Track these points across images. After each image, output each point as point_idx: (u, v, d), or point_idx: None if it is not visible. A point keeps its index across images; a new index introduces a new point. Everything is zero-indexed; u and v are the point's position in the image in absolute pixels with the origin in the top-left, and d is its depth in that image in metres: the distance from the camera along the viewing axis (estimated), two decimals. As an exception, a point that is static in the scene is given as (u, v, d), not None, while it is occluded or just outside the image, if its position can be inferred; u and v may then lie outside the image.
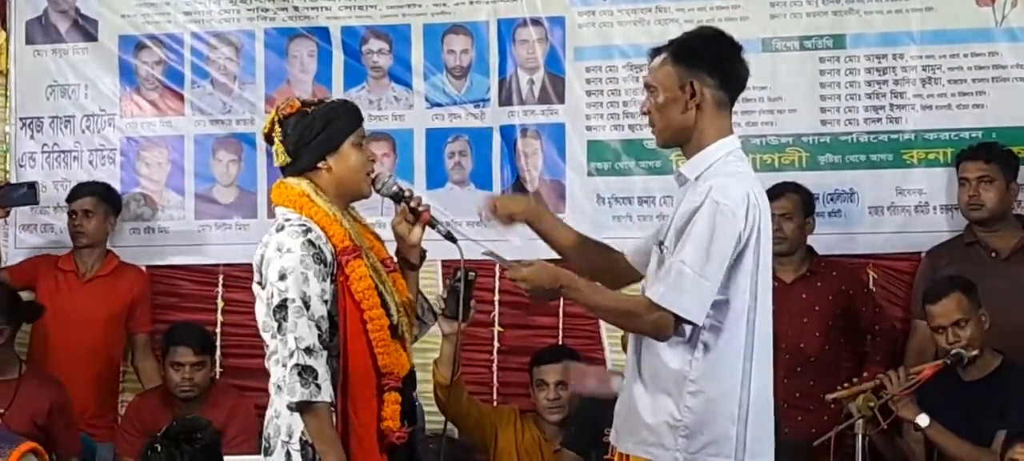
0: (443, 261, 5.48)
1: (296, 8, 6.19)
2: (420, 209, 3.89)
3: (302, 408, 3.61)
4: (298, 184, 3.78)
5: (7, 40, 6.36)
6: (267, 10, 6.22)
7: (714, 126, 3.62)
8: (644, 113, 3.72)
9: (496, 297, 5.95)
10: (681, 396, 3.53)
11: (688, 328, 3.50)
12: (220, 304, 6.21)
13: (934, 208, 5.72)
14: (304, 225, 3.70)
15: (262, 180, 6.14)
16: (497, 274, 5.76)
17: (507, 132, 6.03)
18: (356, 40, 6.17)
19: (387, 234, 4.00)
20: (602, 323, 5.80)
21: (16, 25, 6.37)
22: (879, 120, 5.77)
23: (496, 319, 6.00)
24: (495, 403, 5.95)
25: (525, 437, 5.62)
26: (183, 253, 6.27)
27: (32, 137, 6.37)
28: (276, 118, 3.82)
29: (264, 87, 6.23)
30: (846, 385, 4.73)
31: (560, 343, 5.88)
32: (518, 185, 5.97)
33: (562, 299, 5.74)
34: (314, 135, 3.77)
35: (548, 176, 5.97)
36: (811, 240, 5.58)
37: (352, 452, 3.66)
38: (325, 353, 3.64)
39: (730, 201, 3.49)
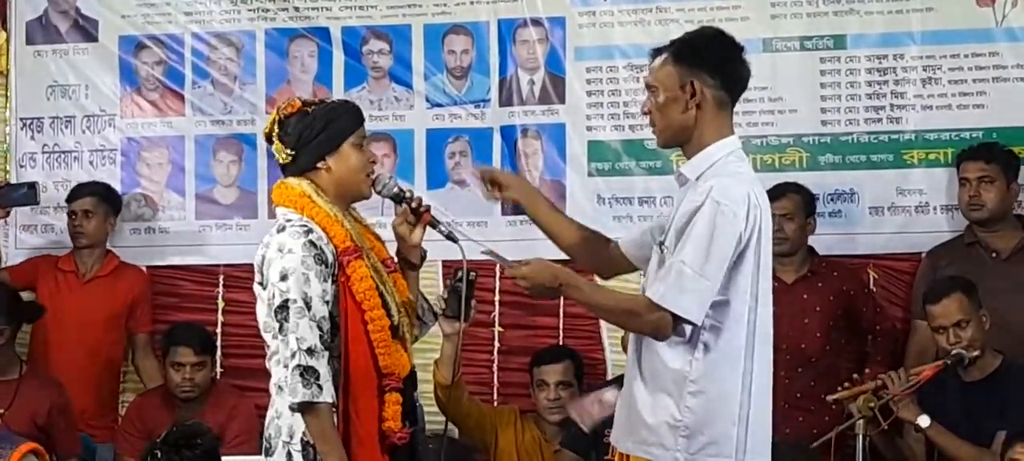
0: (443, 261, 5.48)
1: (297, 8, 6.20)
2: (421, 210, 3.88)
3: (304, 409, 3.61)
4: (299, 184, 3.78)
5: (7, 40, 6.36)
6: (268, 10, 6.22)
7: (715, 126, 3.62)
8: (645, 113, 3.72)
9: (496, 297, 5.95)
10: (681, 396, 3.52)
11: (688, 328, 3.50)
12: (221, 304, 6.21)
13: (934, 208, 5.72)
14: (305, 226, 3.70)
15: (263, 181, 6.14)
16: (497, 274, 5.76)
17: (507, 132, 6.03)
18: (356, 40, 6.17)
19: (387, 234, 4.00)
20: (602, 323, 5.81)
21: (16, 25, 6.36)
22: (879, 120, 5.77)
23: (496, 319, 6.00)
24: (495, 403, 5.95)
25: (525, 437, 5.62)
26: (183, 253, 6.27)
27: (32, 137, 6.37)
28: (277, 117, 3.82)
29: (265, 88, 6.23)
30: (847, 386, 4.73)
31: (560, 343, 5.89)
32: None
33: (563, 300, 5.82)
34: (314, 135, 3.77)
35: (548, 176, 5.97)
36: (811, 240, 5.58)
37: (353, 452, 3.65)
38: (326, 354, 3.64)
39: (731, 201, 3.48)
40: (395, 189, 3.90)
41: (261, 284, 3.73)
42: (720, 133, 3.62)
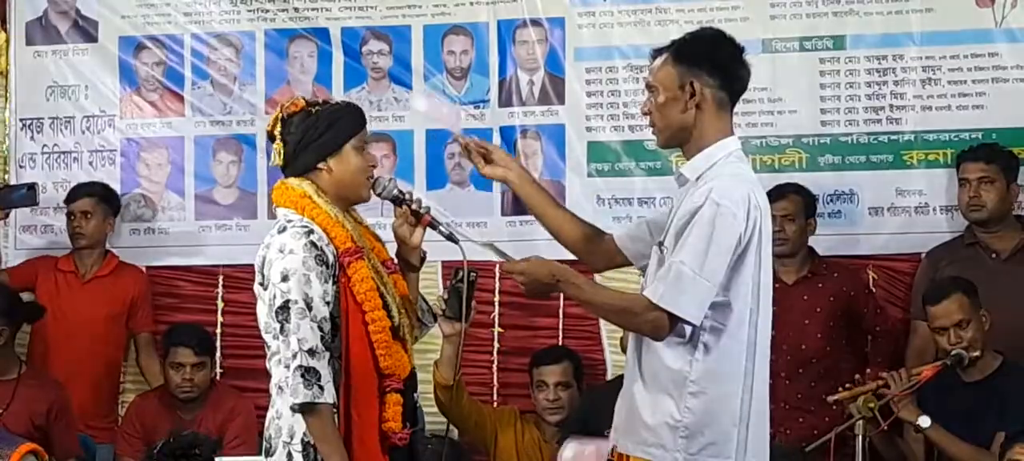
0: (443, 262, 5.48)
1: (296, 9, 6.20)
2: (421, 212, 3.88)
3: (305, 410, 3.61)
4: (300, 185, 3.78)
5: (7, 41, 6.36)
6: (267, 11, 6.22)
7: (714, 127, 3.62)
8: (645, 113, 3.71)
9: (496, 298, 5.95)
10: (681, 397, 3.52)
11: (688, 328, 3.50)
12: (220, 305, 6.21)
13: (934, 209, 5.72)
14: (306, 226, 3.70)
15: (262, 181, 6.15)
16: (497, 275, 5.76)
17: (507, 133, 6.03)
18: (356, 41, 6.17)
19: (387, 235, 4.00)
20: (602, 324, 5.81)
21: (16, 26, 6.36)
22: (879, 121, 5.77)
23: (496, 320, 6.00)
24: (495, 404, 5.95)
25: (525, 438, 5.62)
26: (183, 254, 6.27)
27: (32, 138, 6.37)
28: (280, 116, 3.81)
29: (264, 88, 6.24)
30: (848, 386, 4.73)
31: (560, 344, 5.89)
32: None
33: (562, 301, 5.82)
34: (317, 136, 3.77)
35: (548, 177, 5.96)
36: (810, 241, 5.58)
37: (354, 453, 3.65)
38: (327, 354, 3.64)
39: (731, 202, 3.48)
40: (395, 191, 3.89)
41: (262, 285, 3.73)
42: (720, 133, 3.62)
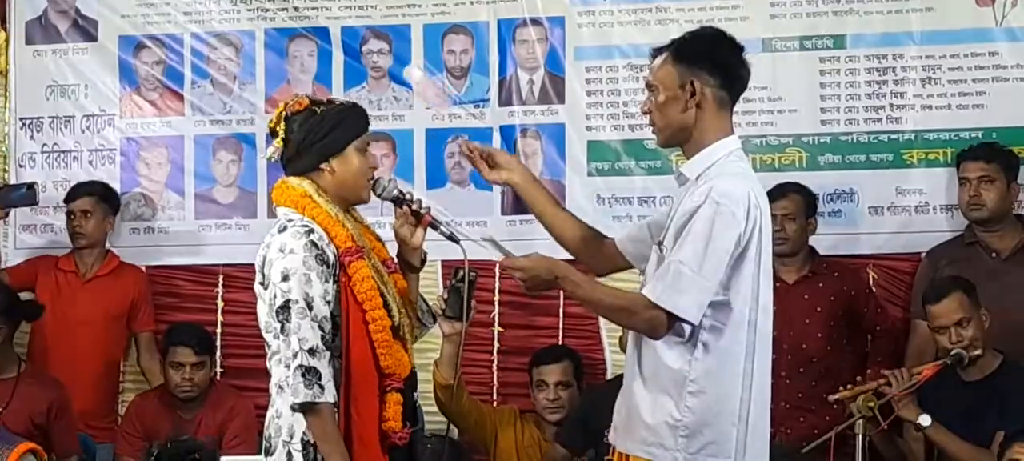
0: (443, 261, 5.47)
1: (296, 8, 6.20)
2: (421, 212, 3.88)
3: (306, 409, 3.61)
4: (300, 184, 3.78)
5: (7, 40, 6.36)
6: (267, 10, 6.22)
7: (715, 126, 3.61)
8: (645, 112, 3.71)
9: (496, 297, 5.95)
10: (681, 396, 3.52)
11: (687, 328, 3.50)
12: (220, 304, 6.21)
13: (934, 208, 5.72)
14: (307, 226, 3.70)
15: (262, 180, 6.15)
16: (497, 275, 5.75)
17: (507, 132, 6.03)
18: (356, 40, 6.17)
19: (387, 234, 4.00)
20: (602, 323, 5.81)
21: (16, 25, 6.36)
22: (879, 120, 5.77)
23: (496, 319, 5.99)
24: (495, 403, 5.95)
25: (525, 437, 5.62)
26: (183, 253, 6.26)
27: (32, 137, 6.37)
28: (284, 113, 3.80)
29: (264, 87, 6.23)
30: (849, 386, 4.73)
31: (560, 343, 5.88)
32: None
33: (563, 300, 5.81)
34: (321, 136, 3.76)
35: (548, 176, 5.96)
36: (811, 240, 5.58)
37: (354, 452, 3.65)
38: (328, 354, 3.64)
39: (730, 202, 3.48)
40: (395, 192, 3.89)
41: (262, 284, 3.73)
42: (720, 133, 3.62)
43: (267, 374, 3.77)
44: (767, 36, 5.80)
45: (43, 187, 6.18)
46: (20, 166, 6.35)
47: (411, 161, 6.10)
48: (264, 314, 3.73)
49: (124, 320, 6.09)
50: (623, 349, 4.16)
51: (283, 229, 3.72)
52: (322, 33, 6.19)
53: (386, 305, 3.75)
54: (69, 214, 6.07)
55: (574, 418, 5.52)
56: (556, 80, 6.01)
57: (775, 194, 5.25)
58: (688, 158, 3.66)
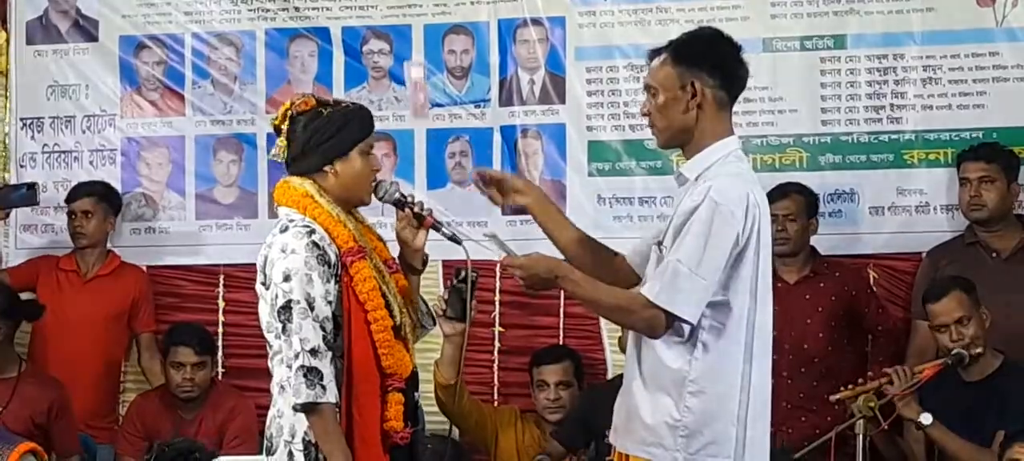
0: (444, 261, 5.48)
1: (297, 8, 6.20)
2: (423, 214, 3.88)
3: (308, 409, 3.61)
4: (302, 185, 3.78)
5: (7, 40, 6.36)
6: (268, 10, 6.22)
7: (715, 126, 3.62)
8: (644, 114, 3.71)
9: (497, 297, 5.95)
10: (681, 396, 3.52)
11: (686, 328, 3.50)
12: (221, 304, 6.21)
13: (935, 208, 5.72)
14: (308, 226, 3.70)
15: (263, 181, 6.15)
16: (498, 275, 5.75)
17: (508, 132, 6.03)
18: (357, 40, 6.17)
19: (388, 234, 4.00)
20: (603, 323, 5.81)
21: (16, 25, 6.36)
22: (880, 120, 5.77)
23: (497, 319, 5.99)
24: (495, 403, 5.95)
25: (525, 437, 5.62)
26: (184, 253, 6.27)
27: (32, 137, 6.37)
28: (289, 112, 3.80)
29: (265, 87, 6.23)
30: (850, 386, 4.73)
31: (561, 343, 5.89)
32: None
33: (563, 300, 5.81)
34: (326, 138, 3.76)
35: (549, 176, 5.97)
36: (812, 240, 5.58)
37: (356, 452, 3.65)
38: (330, 354, 3.64)
39: (729, 201, 3.48)
40: (396, 194, 3.89)
41: (264, 284, 3.74)
42: (720, 133, 3.62)
43: (268, 374, 3.78)
44: (768, 36, 5.80)
45: (44, 187, 6.19)
46: (21, 166, 6.36)
47: (411, 161, 6.10)
48: (266, 314, 3.73)
49: (125, 320, 6.10)
50: (623, 349, 4.16)
51: (285, 229, 3.72)
52: (323, 33, 6.19)
53: (388, 305, 3.75)
54: (70, 214, 6.07)
55: (573, 417, 5.52)
56: (557, 80, 6.01)
57: (776, 194, 5.25)
58: (688, 158, 3.66)
